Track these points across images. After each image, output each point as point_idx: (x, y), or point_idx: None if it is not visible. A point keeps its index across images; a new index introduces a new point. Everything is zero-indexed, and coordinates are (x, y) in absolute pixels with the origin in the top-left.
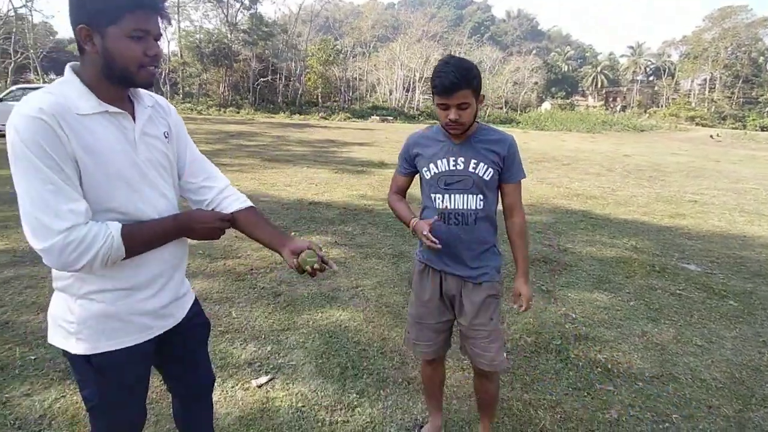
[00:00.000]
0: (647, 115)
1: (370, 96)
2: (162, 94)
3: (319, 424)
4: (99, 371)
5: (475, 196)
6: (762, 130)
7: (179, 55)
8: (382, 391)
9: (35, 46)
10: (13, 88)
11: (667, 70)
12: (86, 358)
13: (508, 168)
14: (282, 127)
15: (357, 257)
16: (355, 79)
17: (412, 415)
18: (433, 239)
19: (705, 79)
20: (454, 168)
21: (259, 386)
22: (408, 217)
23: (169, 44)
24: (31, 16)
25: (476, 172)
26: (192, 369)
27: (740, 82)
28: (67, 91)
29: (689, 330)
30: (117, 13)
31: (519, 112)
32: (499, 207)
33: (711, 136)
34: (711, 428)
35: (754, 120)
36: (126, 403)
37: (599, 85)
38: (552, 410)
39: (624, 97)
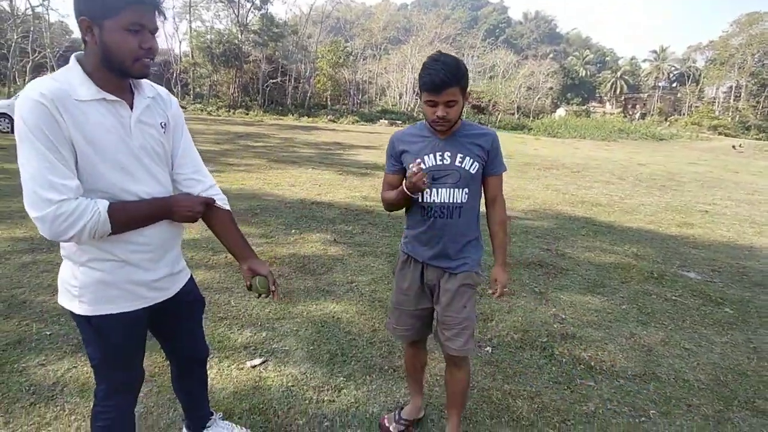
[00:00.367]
0: (668, 123)
1: (379, 99)
2: (174, 95)
3: (307, 401)
4: (98, 331)
5: (461, 189)
6: None
7: (190, 55)
8: (368, 377)
9: (52, 45)
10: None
11: (691, 77)
12: (87, 319)
13: (491, 161)
14: (290, 129)
15: (354, 255)
16: (365, 81)
17: (395, 398)
18: (417, 168)
19: (730, 87)
20: (441, 163)
21: (253, 367)
22: (394, 191)
23: (180, 44)
24: (48, 15)
25: (463, 165)
26: (187, 341)
27: (766, 90)
28: (70, 78)
29: (679, 334)
30: (115, 6)
31: (532, 118)
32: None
33: (733, 147)
34: (688, 425)
35: None
36: (122, 362)
37: (618, 91)
38: (530, 401)
39: (644, 104)
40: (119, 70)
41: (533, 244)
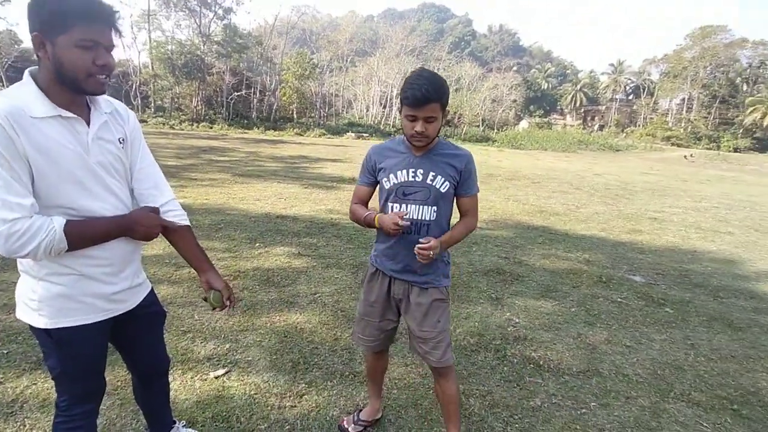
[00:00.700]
0: (624, 134)
1: (346, 112)
2: (133, 108)
3: (269, 408)
4: (58, 344)
5: (429, 207)
6: (735, 151)
7: (150, 66)
8: (329, 382)
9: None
10: None
11: (646, 89)
12: (47, 332)
13: (464, 182)
14: (255, 142)
15: (318, 267)
16: (332, 94)
17: (354, 402)
18: (403, 222)
19: (683, 99)
20: (413, 180)
21: (216, 377)
22: (367, 214)
23: (140, 55)
24: None
25: (433, 184)
26: (148, 352)
27: (717, 102)
28: (23, 95)
29: (621, 333)
30: (67, 23)
31: (496, 130)
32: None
33: (685, 157)
34: (625, 415)
35: (727, 141)
36: (82, 373)
37: (578, 104)
38: (482, 398)
39: (602, 116)
40: (73, 87)
41: (492, 252)
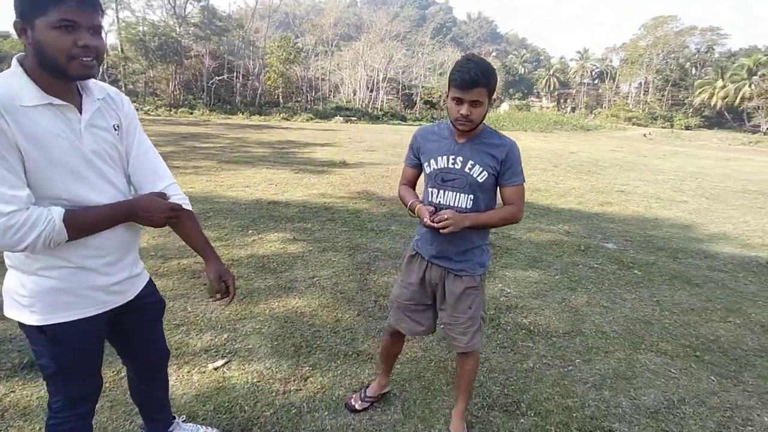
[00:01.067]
0: (593, 115)
1: (333, 96)
2: None
3: (273, 394)
4: (52, 341)
5: (466, 195)
6: (686, 129)
7: (119, 49)
8: (333, 363)
9: None
10: None
11: (609, 74)
12: (40, 329)
13: (504, 172)
14: (240, 128)
15: (314, 251)
16: (318, 78)
17: (360, 380)
18: (431, 223)
19: (640, 83)
20: (452, 167)
21: (216, 369)
22: (411, 202)
23: (106, 36)
24: None
25: (471, 173)
26: (147, 344)
27: (669, 85)
28: (12, 83)
29: (599, 295)
30: (44, 4)
31: None
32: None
33: (644, 135)
34: (605, 368)
35: (680, 120)
36: (79, 371)
37: (552, 88)
38: (480, 365)
39: (573, 98)
40: (56, 71)
41: None
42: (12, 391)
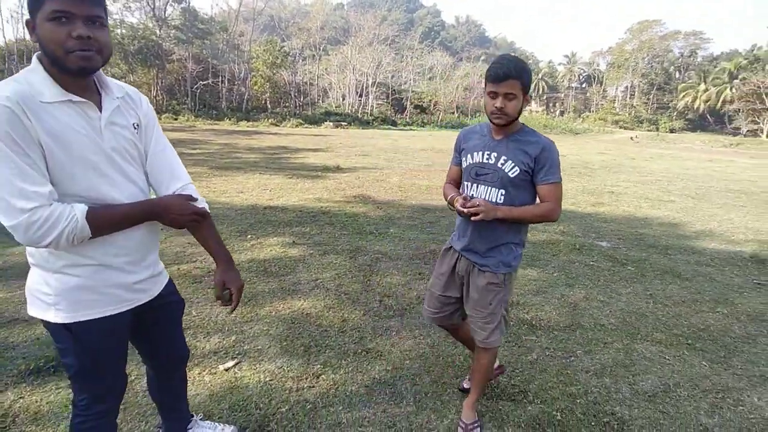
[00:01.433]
0: (581, 119)
1: (322, 101)
2: None
3: (287, 391)
4: (77, 339)
5: (497, 190)
6: (671, 132)
7: None
8: (343, 361)
9: None
10: None
11: (596, 78)
12: (65, 327)
13: (539, 170)
14: (228, 134)
15: (315, 254)
16: (306, 83)
17: (371, 376)
18: (461, 208)
19: (627, 87)
20: (486, 161)
21: (227, 369)
22: (451, 195)
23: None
24: None
25: (503, 168)
26: (170, 341)
27: (654, 89)
28: (32, 79)
29: (596, 290)
30: None
31: (470, 117)
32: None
33: (631, 138)
34: (605, 357)
35: (665, 123)
36: (104, 368)
37: (540, 91)
38: None
39: (562, 102)
40: (58, 66)
41: None
42: (21, 397)
